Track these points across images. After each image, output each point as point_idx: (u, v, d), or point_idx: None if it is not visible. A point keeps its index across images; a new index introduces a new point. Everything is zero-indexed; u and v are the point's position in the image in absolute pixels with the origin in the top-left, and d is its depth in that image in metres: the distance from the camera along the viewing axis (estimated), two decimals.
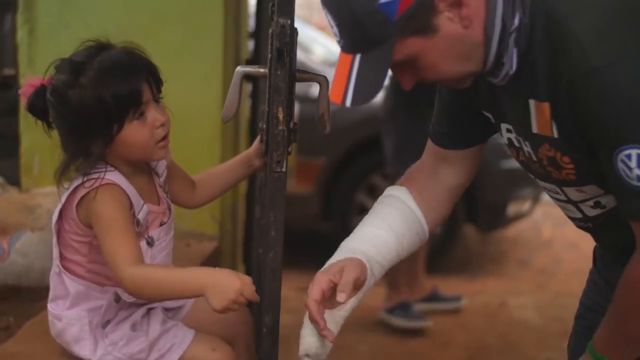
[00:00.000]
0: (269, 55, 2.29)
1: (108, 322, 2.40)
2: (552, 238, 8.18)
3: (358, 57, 1.98)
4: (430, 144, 2.43)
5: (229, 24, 4.15)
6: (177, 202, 2.61)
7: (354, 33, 1.96)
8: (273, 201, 2.22)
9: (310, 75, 2.40)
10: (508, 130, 2.20)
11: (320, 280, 2.14)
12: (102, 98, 2.21)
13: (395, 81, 5.34)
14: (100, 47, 2.30)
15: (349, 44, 1.99)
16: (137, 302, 2.42)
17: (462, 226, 7.16)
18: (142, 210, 2.33)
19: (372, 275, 2.24)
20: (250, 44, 5.22)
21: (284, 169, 2.23)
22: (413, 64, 2.03)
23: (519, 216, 7.29)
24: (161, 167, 2.47)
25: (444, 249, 7.02)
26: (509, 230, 8.06)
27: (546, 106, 2.02)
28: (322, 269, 2.20)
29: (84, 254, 2.36)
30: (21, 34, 4.10)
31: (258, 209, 3.30)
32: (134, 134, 2.26)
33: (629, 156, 1.88)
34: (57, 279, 2.42)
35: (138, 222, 2.32)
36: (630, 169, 1.89)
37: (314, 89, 7.31)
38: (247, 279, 2.17)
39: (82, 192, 2.28)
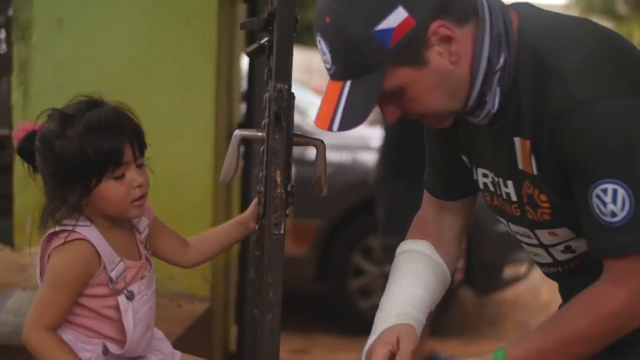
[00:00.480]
0: (267, 120, 2.32)
1: None
2: (550, 300, 8.14)
3: (348, 83, 2.02)
4: (427, 196, 2.47)
5: (221, 86, 4.18)
6: (169, 261, 2.64)
7: (348, 58, 2.00)
8: (271, 263, 2.25)
9: (307, 139, 2.44)
10: (484, 175, 2.24)
11: (379, 352, 2.18)
12: (85, 152, 2.26)
13: (385, 150, 5.37)
14: (92, 103, 2.36)
15: (340, 70, 2.03)
16: (126, 357, 2.43)
17: (459, 288, 7.16)
18: (117, 267, 2.35)
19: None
20: (243, 107, 5.27)
21: (282, 232, 2.25)
22: (400, 95, 2.06)
23: (516, 279, 7.27)
24: (142, 224, 2.49)
25: (441, 311, 6.99)
26: (507, 293, 8.05)
27: (527, 143, 2.06)
28: (377, 337, 2.24)
29: None
30: (16, 95, 4.15)
31: (252, 270, 3.32)
32: (111, 190, 2.30)
33: (604, 191, 1.92)
34: None
35: (111, 280, 2.34)
36: (604, 204, 1.93)
37: (310, 152, 7.39)
38: None
39: (55, 243, 2.32)
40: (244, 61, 5.41)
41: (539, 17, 2.12)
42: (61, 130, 2.30)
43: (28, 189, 4.07)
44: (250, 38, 4.99)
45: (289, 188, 2.30)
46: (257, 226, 2.61)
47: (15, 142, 2.40)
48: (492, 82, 2.05)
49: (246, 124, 4.93)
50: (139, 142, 2.35)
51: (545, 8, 2.18)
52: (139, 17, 4.02)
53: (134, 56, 4.03)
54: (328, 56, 2.03)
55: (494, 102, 2.07)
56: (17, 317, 3.36)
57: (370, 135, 7.12)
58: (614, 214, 1.93)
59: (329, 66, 2.05)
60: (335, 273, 7.03)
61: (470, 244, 6.80)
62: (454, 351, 6.47)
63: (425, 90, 2.05)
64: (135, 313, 2.39)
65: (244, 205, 5.08)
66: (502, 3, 2.12)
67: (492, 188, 2.23)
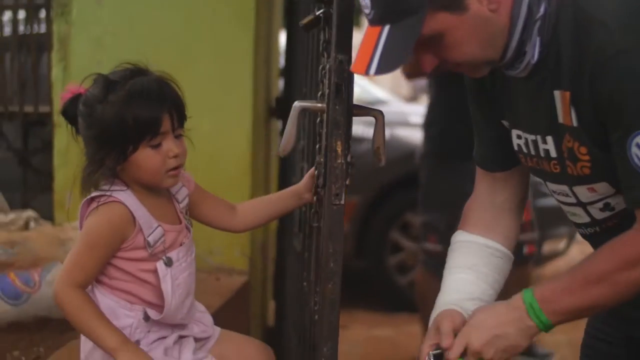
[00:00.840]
0: (327, 90, 2.33)
1: (138, 342, 2.43)
2: None
3: (387, 28, 2.01)
4: (480, 172, 2.45)
5: (259, 61, 4.20)
6: (217, 226, 2.65)
7: (388, 1, 2.00)
8: (332, 233, 2.24)
9: (367, 110, 2.42)
10: (518, 137, 2.23)
11: (424, 350, 2.20)
12: (124, 118, 2.28)
13: (426, 127, 5.35)
14: (136, 71, 2.39)
15: (379, 15, 2.02)
16: (168, 324, 2.45)
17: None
18: (156, 232, 2.37)
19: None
20: (281, 82, 5.28)
21: (342, 202, 2.26)
22: (438, 42, 2.05)
23: (555, 255, 7.24)
24: (182, 194, 2.51)
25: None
26: (545, 269, 8.01)
27: (567, 95, 2.04)
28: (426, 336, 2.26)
29: (104, 272, 2.41)
30: (55, 72, 4.19)
31: (297, 242, 3.33)
32: (147, 158, 2.32)
33: None
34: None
35: (149, 243, 2.36)
36: None
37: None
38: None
39: (92, 206, 2.35)
40: (282, 37, 5.42)
41: None
42: (104, 95, 2.33)
43: (68, 166, 4.12)
44: (289, 13, 5.01)
45: (348, 159, 2.31)
46: (314, 197, 2.62)
47: (60, 104, 2.43)
48: (532, 31, 2.04)
49: (284, 98, 4.95)
50: (178, 113, 2.36)
51: None
52: None
53: (172, 31, 4.06)
54: (368, 0, 2.03)
55: (533, 51, 2.05)
56: None
57: (409, 111, 7.11)
58: None
59: (367, 11, 2.04)
60: (374, 249, 7.02)
61: None
62: None
63: (464, 37, 2.03)
64: (173, 279, 2.40)
65: (281, 179, 5.10)
66: None
67: (525, 149, 2.21)
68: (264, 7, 4.31)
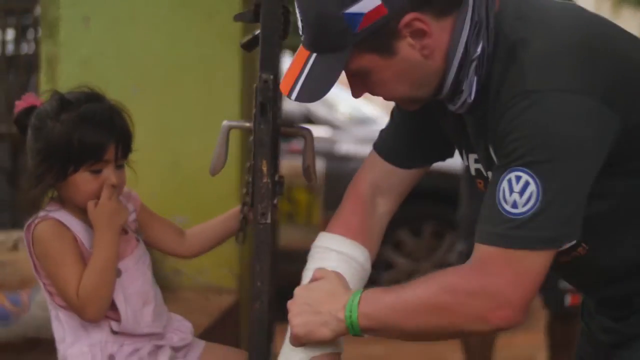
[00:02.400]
0: (254, 110, 2.34)
1: (112, 356, 2.45)
2: None
3: (314, 56, 1.99)
4: (374, 159, 2.35)
5: (246, 81, 4.21)
6: (165, 250, 2.68)
7: (316, 32, 1.97)
8: (259, 252, 2.29)
9: (295, 130, 2.47)
10: (476, 161, 2.15)
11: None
12: (71, 139, 2.34)
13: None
14: (92, 96, 2.45)
15: (308, 41, 2.00)
16: (141, 334, 2.48)
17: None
18: None
19: None
20: None
21: (268, 221, 2.29)
22: (364, 77, 2.03)
23: None
24: (129, 207, 2.54)
25: None
26: None
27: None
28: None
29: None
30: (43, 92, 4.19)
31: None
32: (85, 182, 2.38)
33: (518, 178, 1.86)
34: (55, 322, 2.50)
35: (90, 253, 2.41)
36: (511, 191, 1.86)
37: (340, 147, 7.41)
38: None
39: (29, 230, 2.40)
40: None
41: (523, 3, 2.03)
42: (56, 112, 2.38)
43: None
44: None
45: (276, 178, 2.33)
46: (241, 216, 2.63)
47: (15, 111, 2.47)
48: (469, 70, 1.99)
49: None
50: (124, 144, 2.42)
51: None
52: (163, 14, 4.07)
53: (158, 53, 4.08)
54: (300, 24, 2.01)
55: (470, 90, 2.00)
56: (46, 311, 3.40)
57: None
58: (515, 205, 1.86)
59: (300, 32, 2.03)
60: None
61: None
62: None
63: (390, 78, 2.01)
64: (125, 289, 2.44)
65: None
66: None
67: (484, 174, 2.13)
68: (250, 28, 4.32)
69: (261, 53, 2.26)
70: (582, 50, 1.92)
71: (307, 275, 2.24)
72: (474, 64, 1.98)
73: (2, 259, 3.58)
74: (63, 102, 2.40)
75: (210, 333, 2.71)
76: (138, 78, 3.86)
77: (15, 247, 4.10)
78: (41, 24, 4.21)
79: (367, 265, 2.27)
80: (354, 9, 1.91)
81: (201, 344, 2.63)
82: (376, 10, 1.91)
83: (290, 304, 2.12)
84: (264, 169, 2.28)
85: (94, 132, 2.36)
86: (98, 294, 2.36)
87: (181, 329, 2.59)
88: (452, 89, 2.03)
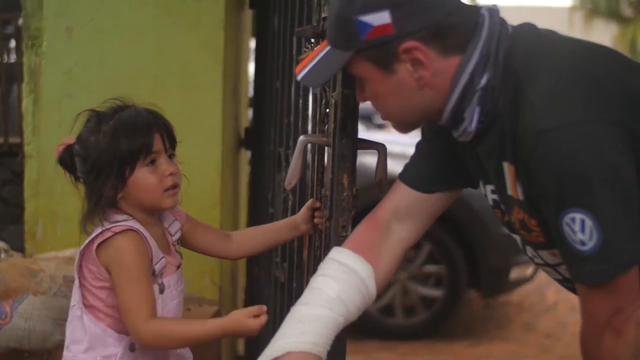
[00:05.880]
0: (332, 125, 2.39)
1: None
2: (556, 301, 8.17)
3: (327, 48, 2.13)
4: (395, 188, 2.39)
5: (228, 92, 4.22)
6: (212, 253, 2.75)
7: (332, 28, 2.12)
8: None
9: (370, 144, 2.48)
10: (492, 192, 2.21)
11: None
12: (118, 142, 2.40)
13: None
14: (124, 106, 2.50)
15: (327, 33, 2.15)
16: (154, 353, 2.49)
17: (466, 291, 7.18)
18: (160, 262, 2.46)
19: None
20: (250, 112, 5.31)
21: (348, 233, 2.34)
22: (364, 85, 2.14)
23: (522, 281, 7.27)
24: (174, 227, 2.58)
25: (448, 314, 7.02)
26: (513, 295, 8.07)
27: (512, 168, 2.05)
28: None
29: (103, 299, 2.46)
30: (26, 103, 4.19)
31: (280, 272, 3.37)
32: (144, 178, 2.42)
33: (573, 220, 1.90)
34: (77, 322, 2.50)
35: (154, 272, 2.43)
36: (574, 232, 1.91)
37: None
38: (253, 309, 2.36)
39: (102, 237, 2.41)
40: (250, 67, 5.46)
41: (533, 39, 2.09)
42: (96, 127, 2.44)
43: (38, 196, 4.12)
44: (258, 47, 5.03)
45: (354, 191, 2.36)
46: (308, 229, 2.68)
47: (57, 157, 2.52)
48: (472, 99, 2.06)
49: (253, 129, 4.98)
50: (168, 135, 2.48)
51: (548, 27, 2.15)
52: (146, 25, 4.07)
53: (142, 63, 4.08)
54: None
55: (471, 119, 2.07)
56: (28, 322, 3.40)
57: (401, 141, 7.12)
58: (583, 243, 1.91)
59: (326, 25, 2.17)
60: None
61: (476, 247, 6.83)
62: (461, 353, 6.50)
63: (384, 94, 2.11)
64: (164, 305, 2.47)
65: (251, 210, 5.12)
66: (504, 21, 2.12)
67: (502, 205, 2.19)
68: (232, 38, 4.34)
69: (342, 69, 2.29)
70: (586, 80, 1.96)
71: (314, 280, 2.28)
72: (478, 94, 2.05)
73: None
74: (99, 116, 2.46)
75: (192, 345, 2.71)
76: (121, 88, 3.82)
77: None
78: (24, 34, 4.20)
79: (370, 282, 2.28)
80: (366, 18, 2.03)
81: None
82: (384, 27, 2.02)
83: None
84: (345, 183, 2.32)
85: (135, 128, 2.41)
86: (162, 342, 2.39)
87: (185, 356, 2.63)
88: (453, 116, 2.10)
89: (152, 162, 2.42)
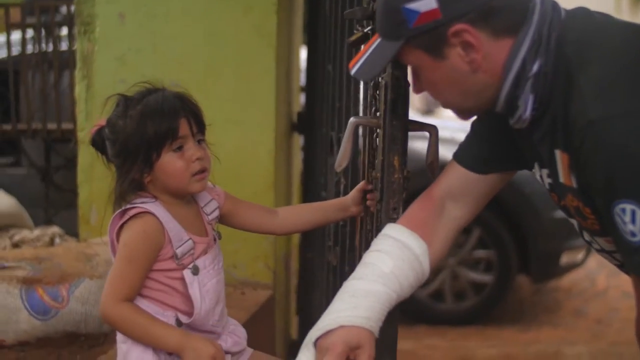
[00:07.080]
0: (383, 106, 2.38)
1: None
2: (607, 287, 8.11)
3: (378, 40, 2.13)
4: (450, 167, 2.40)
5: (280, 76, 4.22)
6: (257, 230, 2.73)
7: (381, 19, 2.12)
8: None
9: (421, 125, 2.46)
10: (548, 176, 2.19)
11: (339, 353, 2.10)
12: (144, 126, 2.38)
13: None
14: (153, 89, 2.48)
15: (377, 26, 2.15)
16: (200, 330, 2.49)
17: (516, 276, 7.14)
18: (186, 244, 2.43)
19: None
20: (302, 97, 5.30)
21: (399, 215, 2.32)
22: (418, 75, 2.14)
23: (573, 266, 7.23)
24: (211, 207, 2.56)
25: (497, 299, 7.00)
26: (563, 280, 8.02)
27: (565, 156, 2.03)
28: (338, 332, 2.12)
29: None
30: (79, 89, 4.21)
31: (332, 256, 3.36)
32: (171, 163, 2.40)
33: (623, 210, 1.88)
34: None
35: (176, 255, 2.42)
36: (624, 223, 1.89)
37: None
38: (219, 346, 2.40)
39: (124, 219, 2.41)
40: (303, 52, 5.45)
41: (586, 25, 2.06)
42: (124, 111, 2.43)
43: (91, 181, 4.14)
44: (310, 31, 5.03)
45: (405, 173, 2.34)
46: (358, 211, 2.66)
47: (91, 134, 2.52)
48: (525, 86, 2.04)
49: (306, 113, 4.97)
50: (195, 119, 2.44)
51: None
52: (198, 9, 4.07)
53: (194, 48, 4.08)
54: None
55: (526, 106, 2.06)
56: (85, 306, 3.43)
57: None
58: (633, 234, 1.88)
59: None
60: None
61: (526, 232, 6.78)
62: (510, 339, 6.46)
63: (439, 81, 2.10)
64: (201, 286, 2.46)
65: (304, 194, 5.12)
66: (557, 4, 2.09)
67: (557, 191, 2.17)
68: (285, 23, 4.33)
69: None
70: (635, 70, 1.93)
71: (368, 255, 2.28)
72: (530, 81, 2.04)
73: (41, 254, 3.59)
74: (127, 101, 2.45)
75: (247, 328, 2.71)
76: (174, 73, 3.85)
77: (51, 242, 4.13)
78: (76, 20, 4.21)
79: (424, 259, 2.28)
80: (413, 5, 2.02)
81: (249, 351, 2.65)
82: (431, 12, 2.01)
83: None
84: (396, 164, 2.31)
85: (162, 113, 2.40)
86: (124, 327, 2.39)
87: (236, 333, 2.62)
88: (507, 103, 2.09)
89: (180, 147, 2.40)
